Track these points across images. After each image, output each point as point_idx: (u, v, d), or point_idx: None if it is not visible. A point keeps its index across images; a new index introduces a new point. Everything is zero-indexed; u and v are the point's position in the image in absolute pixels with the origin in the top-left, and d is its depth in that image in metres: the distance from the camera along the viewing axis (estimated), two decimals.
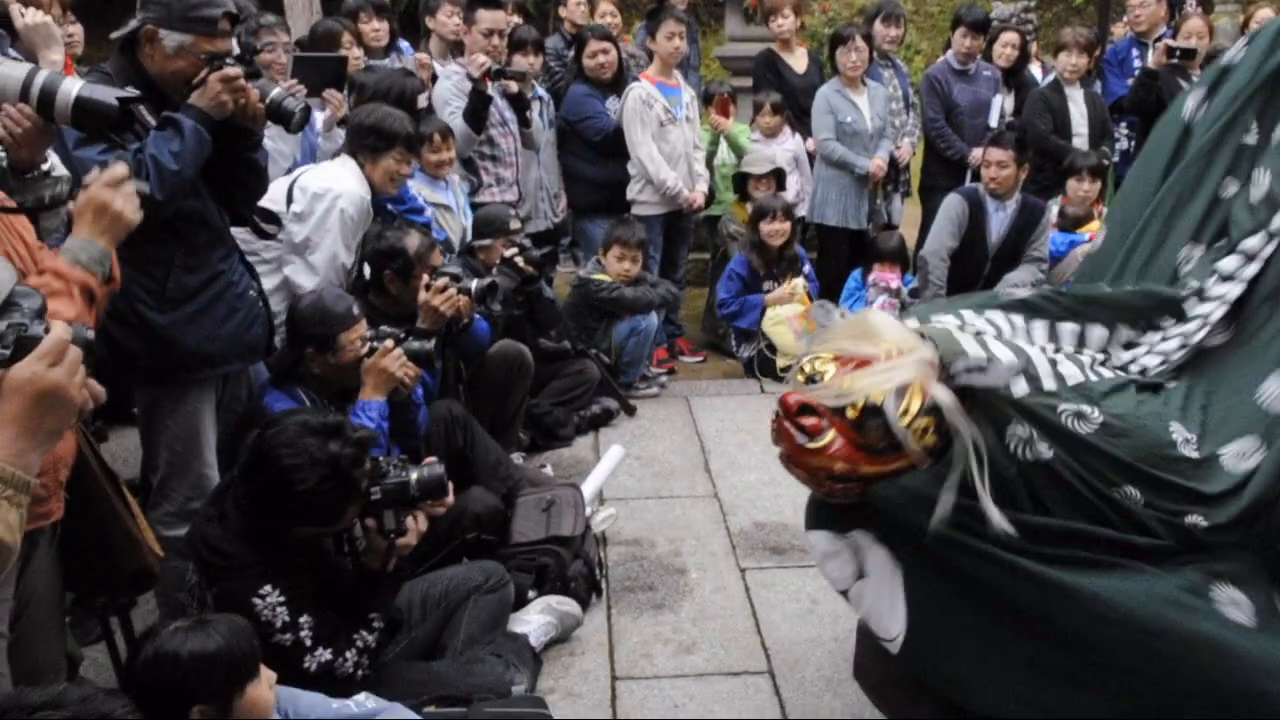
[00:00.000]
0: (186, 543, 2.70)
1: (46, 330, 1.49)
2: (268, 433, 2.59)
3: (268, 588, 2.55)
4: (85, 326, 1.59)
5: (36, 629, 2.27)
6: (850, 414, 2.37)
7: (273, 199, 3.65)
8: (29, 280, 2.07)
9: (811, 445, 2.38)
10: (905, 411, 2.36)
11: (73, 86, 2.31)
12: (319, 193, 3.78)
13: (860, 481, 2.45)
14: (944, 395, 2.35)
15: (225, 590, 2.53)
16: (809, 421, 2.38)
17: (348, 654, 2.66)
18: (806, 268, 6.19)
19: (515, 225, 4.87)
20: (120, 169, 2.23)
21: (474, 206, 5.30)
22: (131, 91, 2.48)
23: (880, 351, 2.42)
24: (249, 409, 3.49)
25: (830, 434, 2.38)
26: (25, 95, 2.29)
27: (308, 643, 2.59)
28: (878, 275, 6.05)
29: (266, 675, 2.23)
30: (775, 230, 5.91)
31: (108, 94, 2.34)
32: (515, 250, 4.60)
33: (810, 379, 2.46)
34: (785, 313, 5.85)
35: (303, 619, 2.58)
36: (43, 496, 2.12)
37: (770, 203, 6.00)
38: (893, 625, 2.58)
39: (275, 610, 2.55)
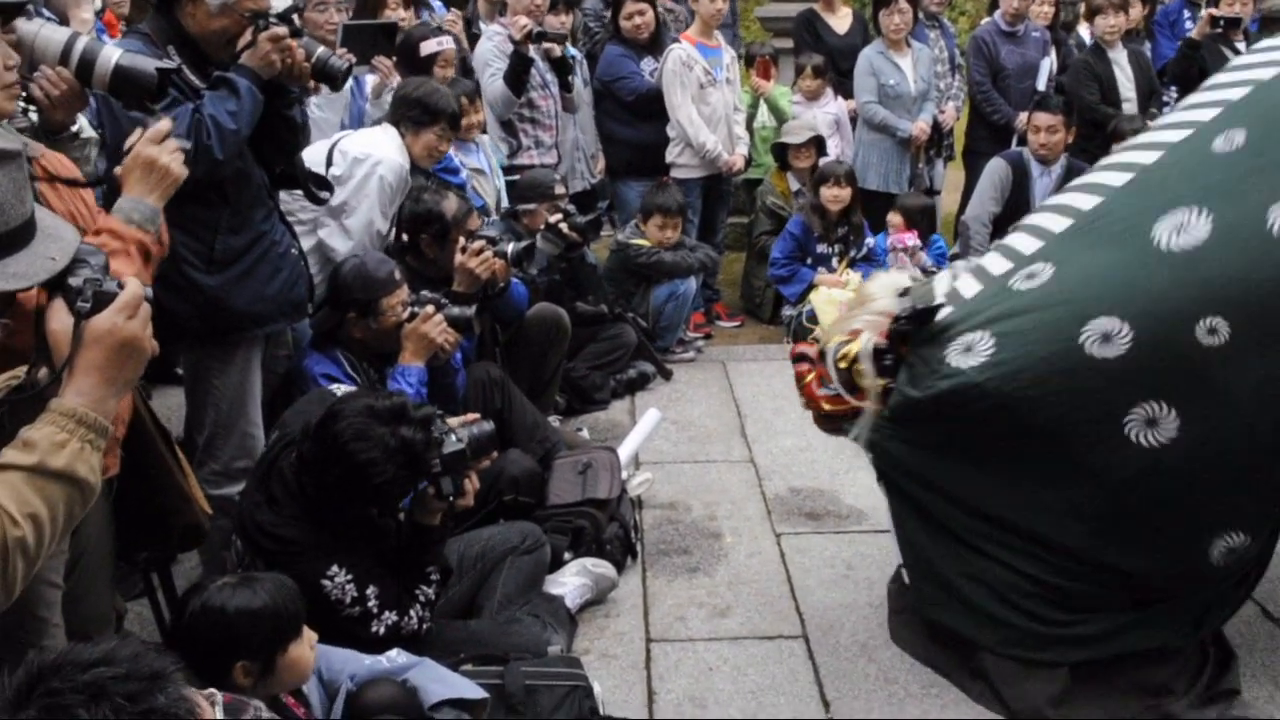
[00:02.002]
0: (238, 530, 2.73)
1: (119, 285, 1.57)
2: (335, 426, 2.54)
3: (334, 567, 2.58)
4: (146, 284, 1.64)
5: (89, 582, 2.32)
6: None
7: (312, 161, 3.65)
8: (85, 240, 2.11)
9: (800, 384, 3.01)
10: (844, 356, 2.83)
11: (113, 54, 2.32)
12: (359, 157, 3.79)
13: (828, 419, 2.97)
14: (863, 343, 2.80)
15: (290, 574, 2.49)
16: (800, 368, 2.99)
17: (411, 611, 2.71)
18: (870, 241, 6.05)
19: (560, 190, 4.85)
20: (164, 124, 2.24)
21: (513, 169, 5.30)
22: (169, 63, 2.50)
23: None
24: (289, 371, 3.53)
25: (811, 375, 2.95)
26: (65, 59, 2.31)
27: (375, 610, 2.64)
28: (894, 237, 5.98)
29: (308, 635, 2.28)
30: (835, 196, 5.83)
31: (147, 64, 2.36)
32: (560, 216, 4.60)
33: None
34: (839, 296, 5.75)
35: (369, 590, 2.63)
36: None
37: (833, 168, 5.93)
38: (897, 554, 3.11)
39: (344, 589, 2.59)
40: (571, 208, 4.78)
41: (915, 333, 2.75)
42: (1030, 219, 2.98)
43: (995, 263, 2.85)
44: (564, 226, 4.56)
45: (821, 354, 2.93)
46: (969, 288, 2.83)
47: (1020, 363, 2.60)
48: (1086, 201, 2.77)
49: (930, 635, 3.09)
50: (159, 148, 2.20)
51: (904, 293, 2.92)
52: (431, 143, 4.00)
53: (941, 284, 2.94)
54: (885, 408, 2.82)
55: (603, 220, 5.14)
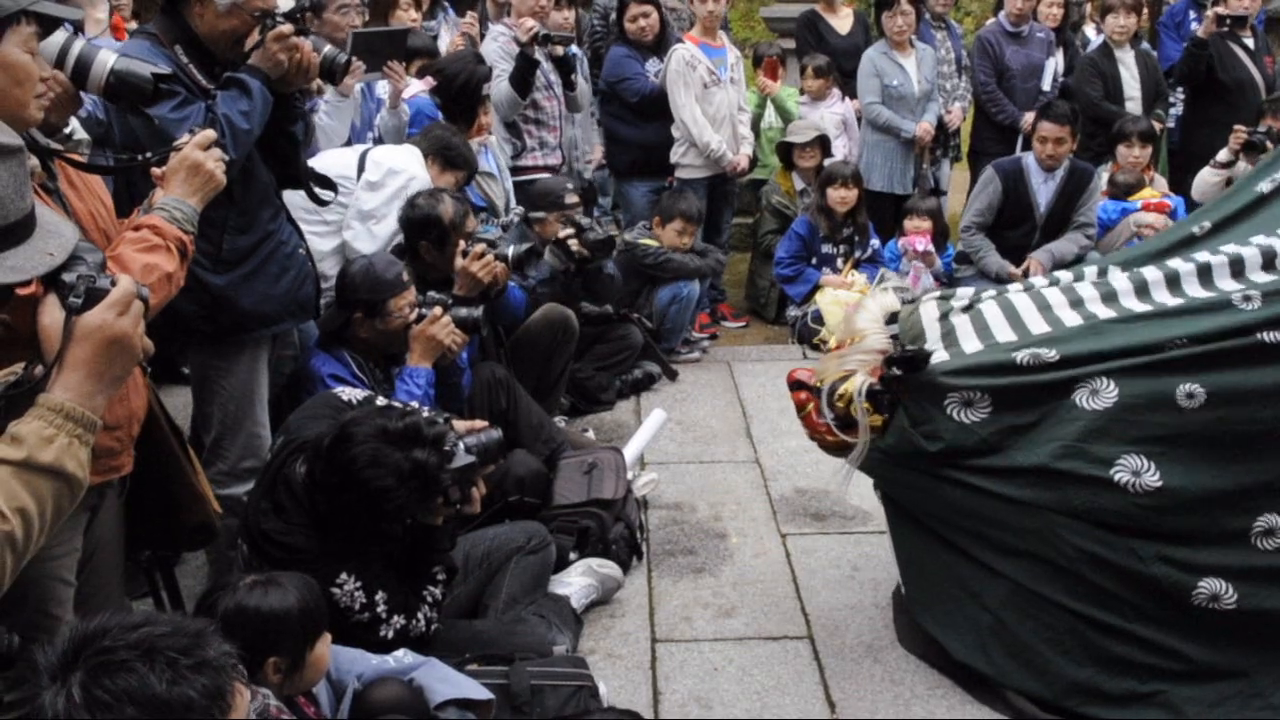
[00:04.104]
0: (244, 536, 2.72)
1: (112, 283, 1.58)
2: (349, 452, 2.51)
3: (344, 575, 2.58)
4: (143, 285, 1.65)
5: (100, 579, 2.33)
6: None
7: (342, 167, 3.76)
8: (124, 235, 2.14)
9: (801, 413, 3.00)
10: (841, 396, 2.85)
11: (108, 58, 2.33)
12: (396, 169, 3.92)
13: (828, 448, 2.99)
14: (856, 383, 2.83)
15: None
16: (800, 396, 2.98)
17: (419, 614, 2.72)
18: (875, 243, 6.06)
19: (571, 200, 4.81)
20: (210, 133, 2.29)
21: (517, 170, 5.30)
22: (165, 68, 2.51)
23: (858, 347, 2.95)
24: (296, 371, 3.54)
25: (811, 405, 2.96)
26: (60, 62, 2.31)
27: (384, 615, 2.64)
28: (906, 240, 5.99)
29: (325, 635, 2.31)
30: (842, 197, 5.85)
31: (143, 68, 2.36)
32: (571, 231, 4.58)
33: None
34: (845, 297, 5.72)
35: (378, 595, 2.63)
36: (116, 450, 2.18)
37: (839, 169, 5.94)
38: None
39: (354, 595, 2.59)
40: (587, 222, 4.73)
41: (910, 377, 2.80)
42: (1044, 290, 2.97)
43: (1000, 327, 2.86)
44: (573, 244, 4.54)
45: (816, 390, 2.96)
46: (967, 338, 2.85)
47: (1016, 419, 2.73)
48: (1103, 311, 2.83)
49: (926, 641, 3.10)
50: (206, 154, 2.26)
51: (891, 319, 2.96)
52: (451, 184, 4.22)
53: (929, 315, 2.94)
54: (882, 439, 2.87)
55: (615, 241, 5.09)
